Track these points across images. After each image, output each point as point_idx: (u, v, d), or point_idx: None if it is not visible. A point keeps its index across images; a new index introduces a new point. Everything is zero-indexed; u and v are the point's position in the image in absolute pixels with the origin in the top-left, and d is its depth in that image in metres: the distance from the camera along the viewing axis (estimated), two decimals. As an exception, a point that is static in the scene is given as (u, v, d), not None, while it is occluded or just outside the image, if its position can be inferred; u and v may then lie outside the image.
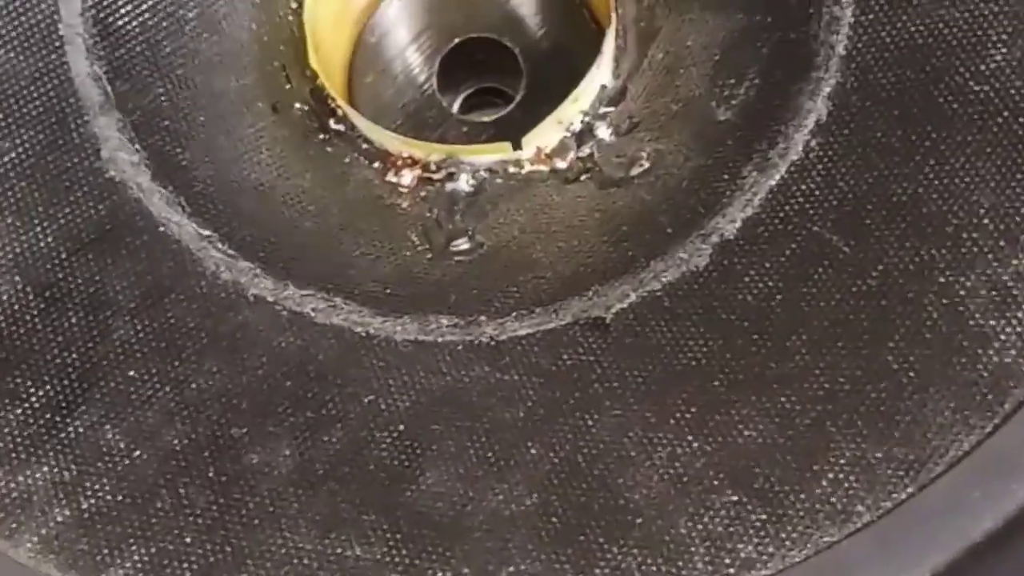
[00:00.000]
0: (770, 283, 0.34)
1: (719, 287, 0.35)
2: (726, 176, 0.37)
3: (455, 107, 0.54)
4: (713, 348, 0.34)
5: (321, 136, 0.44)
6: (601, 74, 0.43)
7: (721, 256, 0.35)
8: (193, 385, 0.35)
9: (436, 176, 0.43)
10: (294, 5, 0.46)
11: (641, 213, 0.39)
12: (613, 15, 0.44)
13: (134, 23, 0.41)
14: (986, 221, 0.32)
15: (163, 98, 0.41)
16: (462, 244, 0.40)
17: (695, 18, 0.42)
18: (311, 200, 0.41)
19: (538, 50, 0.50)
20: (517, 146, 0.42)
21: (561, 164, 0.42)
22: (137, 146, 0.39)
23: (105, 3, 0.40)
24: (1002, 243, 0.31)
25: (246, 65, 0.43)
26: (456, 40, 0.50)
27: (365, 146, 0.44)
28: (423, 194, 0.43)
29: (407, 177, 0.43)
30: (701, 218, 0.37)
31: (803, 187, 0.35)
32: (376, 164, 0.44)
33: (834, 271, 0.33)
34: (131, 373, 0.35)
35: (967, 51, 0.34)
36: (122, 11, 0.41)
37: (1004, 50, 0.34)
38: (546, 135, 0.43)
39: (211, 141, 0.41)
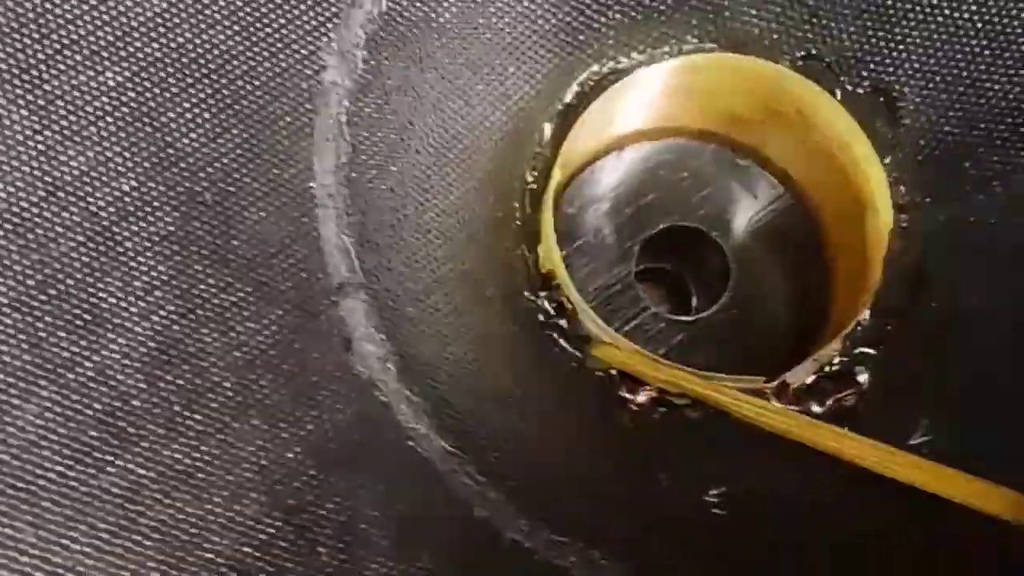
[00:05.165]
0: None
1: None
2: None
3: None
4: None
5: (549, 333, 0.38)
6: (861, 311, 0.39)
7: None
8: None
9: (676, 400, 0.38)
10: (529, 179, 0.40)
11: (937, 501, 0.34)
12: (881, 248, 0.39)
13: (384, 186, 0.35)
14: None
15: (405, 277, 0.35)
16: (714, 495, 0.35)
17: (984, 275, 0.38)
18: (548, 415, 0.36)
19: (748, 253, 0.45)
20: (771, 380, 0.37)
21: (816, 408, 0.38)
22: (382, 336, 0.33)
23: (359, 160, 0.35)
24: None
25: (480, 243, 0.38)
26: (662, 226, 0.45)
27: (590, 350, 0.39)
28: (656, 416, 0.38)
29: (642, 396, 0.38)
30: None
31: None
32: (602, 372, 0.38)
33: None
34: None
35: None
36: (373, 171, 0.35)
37: None
38: (800, 373, 0.38)
39: (449, 333, 0.35)
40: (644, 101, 0.43)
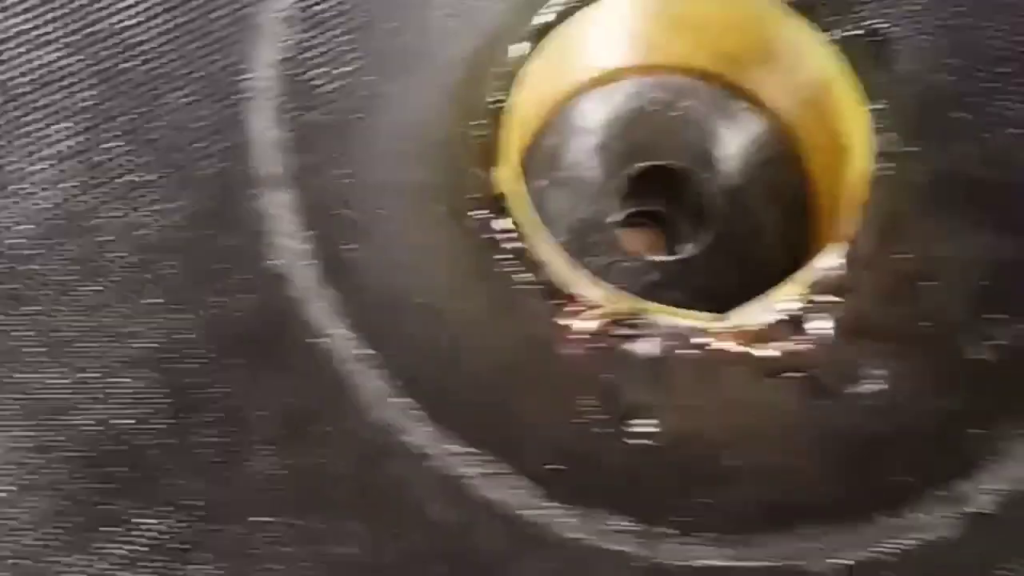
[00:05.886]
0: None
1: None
2: (982, 429, 0.31)
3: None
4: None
5: (497, 255, 0.38)
6: (828, 256, 0.37)
7: (975, 532, 0.29)
8: (334, 549, 0.29)
9: (617, 331, 0.36)
10: (493, 98, 0.39)
11: (867, 445, 0.33)
12: (860, 195, 0.38)
13: (331, 87, 0.35)
14: None
15: (343, 180, 0.35)
16: (640, 425, 0.34)
17: (957, 226, 0.36)
18: (478, 332, 0.36)
19: (733, 196, 0.44)
20: (721, 317, 0.36)
21: (762, 352, 0.36)
22: (305, 233, 0.33)
23: (303, 57, 0.34)
24: None
25: (433, 159, 0.37)
26: (648, 163, 0.44)
27: (541, 274, 0.38)
28: (599, 347, 0.37)
29: (585, 325, 0.37)
30: (948, 477, 0.30)
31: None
32: (550, 300, 0.37)
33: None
34: (263, 518, 0.29)
35: None
36: (320, 71, 0.35)
37: None
38: (752, 314, 0.36)
39: (385, 241, 0.35)
40: (629, 30, 0.42)
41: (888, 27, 0.40)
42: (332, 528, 0.29)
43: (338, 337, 0.32)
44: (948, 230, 0.37)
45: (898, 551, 0.30)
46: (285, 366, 0.31)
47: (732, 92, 0.45)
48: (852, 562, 0.30)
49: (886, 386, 0.34)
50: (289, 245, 0.33)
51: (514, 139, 0.39)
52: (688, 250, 0.45)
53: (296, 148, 0.34)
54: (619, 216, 0.48)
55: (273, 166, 0.33)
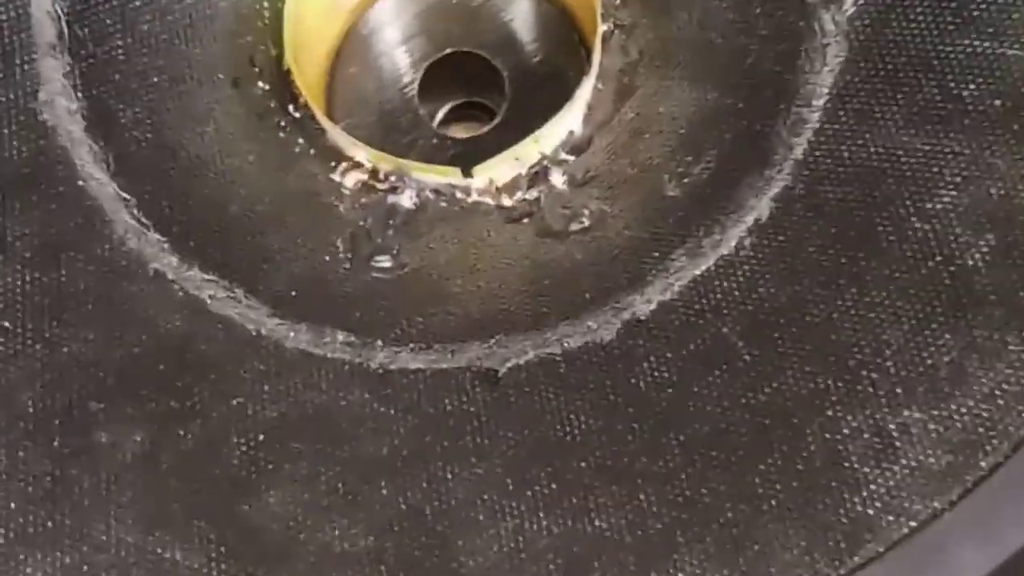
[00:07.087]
0: (666, 374, 0.33)
1: (616, 366, 0.34)
2: (656, 254, 0.36)
3: (438, 116, 0.53)
4: (592, 427, 0.33)
5: (276, 120, 0.43)
6: (571, 119, 0.42)
7: (628, 335, 0.34)
8: (65, 349, 0.34)
9: (381, 186, 0.41)
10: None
11: (567, 271, 0.38)
12: (595, 63, 0.42)
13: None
14: (889, 364, 0.31)
15: (120, 51, 0.40)
16: (383, 261, 0.39)
17: (673, 85, 0.41)
18: (245, 183, 0.40)
19: (527, 75, 0.48)
20: (468, 174, 0.41)
21: (507, 201, 0.41)
22: (79, 94, 0.38)
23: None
24: (898, 390, 0.30)
25: (216, 34, 0.42)
26: (447, 51, 0.49)
27: (318, 140, 0.43)
28: (363, 201, 0.42)
29: (350, 180, 0.42)
30: (620, 291, 0.35)
31: (724, 284, 0.34)
32: (324, 161, 0.42)
33: (729, 377, 0.32)
34: (5, 324, 0.34)
35: (918, 185, 0.33)
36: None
37: (954, 193, 0.32)
38: (501, 169, 0.41)
39: (159, 104, 0.40)
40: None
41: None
42: (68, 334, 0.34)
43: (99, 180, 0.37)
44: (666, 89, 0.41)
45: (567, 350, 0.34)
46: (45, 201, 0.36)
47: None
48: (529, 358, 0.34)
49: (588, 223, 0.39)
50: (61, 103, 0.38)
51: (307, 16, 0.44)
52: (487, 127, 0.49)
53: (74, 21, 0.39)
54: (447, 107, 0.53)
55: (52, 37, 0.38)
